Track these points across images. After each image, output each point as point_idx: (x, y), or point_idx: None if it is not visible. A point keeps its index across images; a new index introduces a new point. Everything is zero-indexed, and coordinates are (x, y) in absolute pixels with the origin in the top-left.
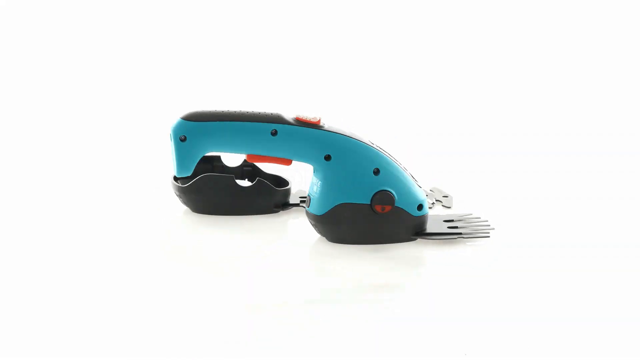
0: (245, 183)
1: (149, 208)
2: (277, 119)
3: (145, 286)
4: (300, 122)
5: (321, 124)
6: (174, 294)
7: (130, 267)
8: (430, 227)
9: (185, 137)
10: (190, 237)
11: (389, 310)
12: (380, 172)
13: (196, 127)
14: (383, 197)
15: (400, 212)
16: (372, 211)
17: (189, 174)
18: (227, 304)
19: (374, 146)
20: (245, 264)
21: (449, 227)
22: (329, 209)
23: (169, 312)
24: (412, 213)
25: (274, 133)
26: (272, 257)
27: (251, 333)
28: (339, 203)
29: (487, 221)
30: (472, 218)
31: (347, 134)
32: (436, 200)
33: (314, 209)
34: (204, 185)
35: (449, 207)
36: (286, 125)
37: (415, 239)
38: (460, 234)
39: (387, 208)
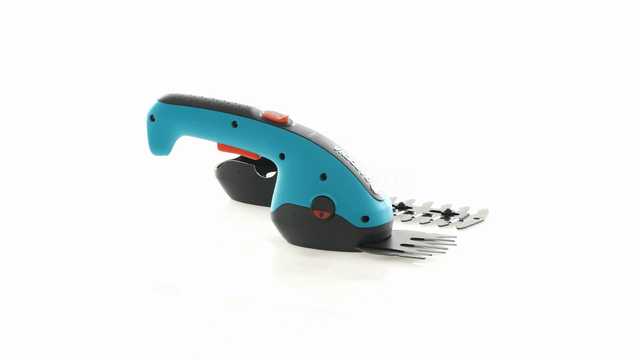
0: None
1: (194, 194)
2: (242, 112)
3: (131, 270)
4: (264, 118)
5: (288, 122)
6: (151, 281)
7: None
8: (394, 242)
9: (154, 117)
10: (201, 221)
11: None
12: (327, 177)
13: (163, 109)
14: (321, 202)
15: (341, 221)
16: (313, 216)
17: (165, 155)
18: (186, 293)
19: (337, 151)
20: (221, 255)
21: (402, 244)
22: (277, 207)
23: (141, 297)
24: (354, 224)
25: (235, 124)
26: (243, 252)
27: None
28: (284, 203)
29: (452, 247)
30: (444, 241)
31: (309, 136)
32: (459, 220)
33: (271, 206)
34: (226, 172)
35: (460, 229)
36: (247, 118)
37: (360, 251)
38: (402, 251)
39: (325, 214)
